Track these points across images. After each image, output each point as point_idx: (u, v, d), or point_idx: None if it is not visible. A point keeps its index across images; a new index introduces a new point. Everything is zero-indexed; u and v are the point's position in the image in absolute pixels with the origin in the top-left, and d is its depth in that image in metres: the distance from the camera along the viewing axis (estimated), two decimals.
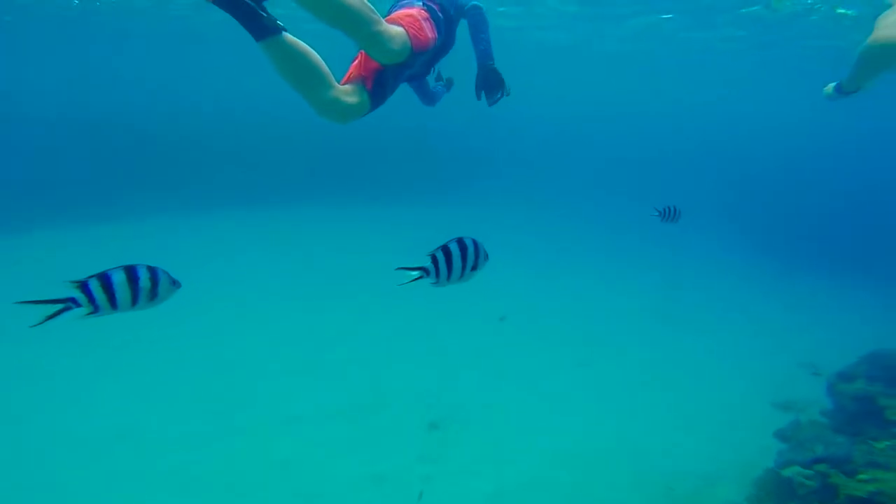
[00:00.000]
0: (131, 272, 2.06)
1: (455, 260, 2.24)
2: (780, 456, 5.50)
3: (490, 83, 3.47)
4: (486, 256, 2.34)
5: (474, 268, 2.31)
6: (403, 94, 3.45)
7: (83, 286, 1.97)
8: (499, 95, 3.47)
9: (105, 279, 2.00)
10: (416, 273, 2.20)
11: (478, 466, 5.57)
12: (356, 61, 3.04)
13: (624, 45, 16.59)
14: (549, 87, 28.01)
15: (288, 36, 2.52)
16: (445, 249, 2.24)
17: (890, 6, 3.94)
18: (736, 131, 36.20)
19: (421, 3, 3.33)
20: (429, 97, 4.07)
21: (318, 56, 2.65)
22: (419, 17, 3.15)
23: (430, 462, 5.62)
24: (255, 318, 8.68)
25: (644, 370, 7.79)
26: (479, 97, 3.54)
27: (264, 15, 2.41)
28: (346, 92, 2.81)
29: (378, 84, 2.93)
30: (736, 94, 24.57)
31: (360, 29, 2.70)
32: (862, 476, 4.73)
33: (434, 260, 2.22)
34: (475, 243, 2.30)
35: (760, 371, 8.03)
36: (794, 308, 11.02)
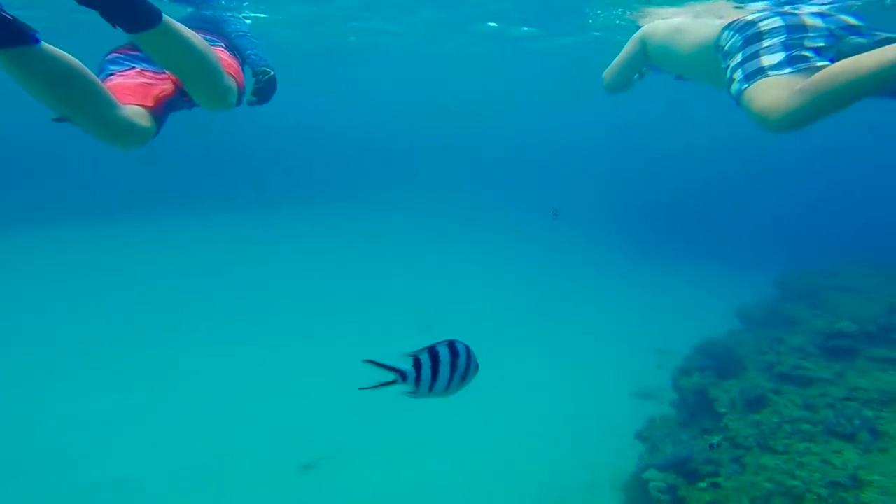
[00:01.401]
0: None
1: (443, 367, 1.76)
2: (641, 459, 5.93)
3: (270, 85, 3.55)
4: (477, 367, 1.90)
5: (463, 379, 1.84)
6: None
7: None
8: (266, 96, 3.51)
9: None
10: (389, 375, 1.67)
11: None
12: (132, 85, 2.52)
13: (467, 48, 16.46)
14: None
15: (47, 45, 1.95)
16: (433, 353, 1.75)
17: None
18: (584, 124, 38.24)
19: (223, 45, 3.30)
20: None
21: (88, 69, 2.11)
22: (232, 62, 3.07)
23: None
24: (66, 356, 7.33)
25: (512, 374, 7.91)
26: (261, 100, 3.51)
27: (10, 18, 1.77)
28: (136, 114, 2.33)
29: (168, 110, 2.61)
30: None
31: (216, 83, 2.50)
32: (701, 484, 5.19)
33: (417, 364, 1.72)
34: (468, 350, 1.85)
35: (620, 360, 8.56)
36: (641, 294, 12.01)
